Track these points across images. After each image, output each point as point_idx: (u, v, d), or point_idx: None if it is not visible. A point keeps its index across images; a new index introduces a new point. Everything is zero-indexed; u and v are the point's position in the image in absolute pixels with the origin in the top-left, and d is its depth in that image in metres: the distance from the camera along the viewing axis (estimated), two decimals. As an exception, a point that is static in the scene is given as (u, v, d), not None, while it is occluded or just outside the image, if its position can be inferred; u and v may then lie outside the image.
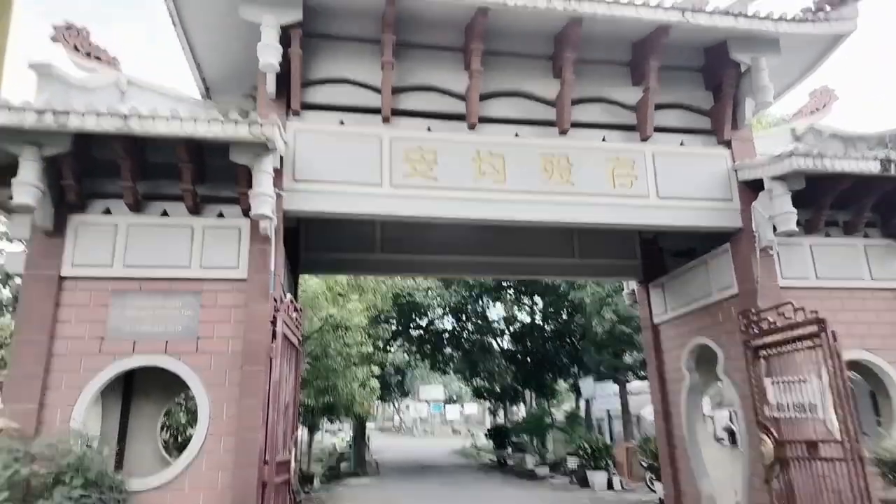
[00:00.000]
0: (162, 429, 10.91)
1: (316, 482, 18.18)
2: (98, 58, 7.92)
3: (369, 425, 31.78)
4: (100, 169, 6.89)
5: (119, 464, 7.74)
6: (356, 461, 24.21)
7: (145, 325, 6.58)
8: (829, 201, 8.21)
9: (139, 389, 8.21)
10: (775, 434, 7.25)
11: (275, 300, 5.79)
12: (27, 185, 6.04)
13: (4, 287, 15.05)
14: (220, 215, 7.10)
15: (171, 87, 8.30)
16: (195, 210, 6.97)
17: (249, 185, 6.57)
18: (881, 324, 8.33)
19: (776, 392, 7.27)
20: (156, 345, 6.55)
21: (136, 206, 6.89)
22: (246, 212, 6.80)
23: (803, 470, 6.96)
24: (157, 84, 8.18)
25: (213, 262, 6.85)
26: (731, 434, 15.71)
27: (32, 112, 5.94)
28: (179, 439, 11.12)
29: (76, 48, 7.69)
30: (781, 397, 7.20)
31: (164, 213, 7.01)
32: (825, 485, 6.60)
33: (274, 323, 5.49)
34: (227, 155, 6.52)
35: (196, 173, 6.82)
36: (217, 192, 7.11)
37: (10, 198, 6.05)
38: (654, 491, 14.17)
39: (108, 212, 6.91)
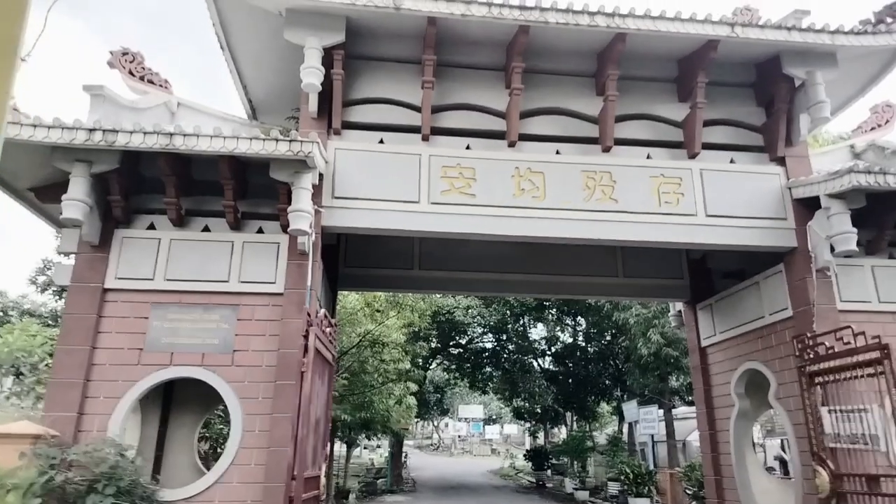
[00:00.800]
0: (201, 440, 11.11)
1: (352, 497, 18.12)
2: (151, 81, 8.19)
3: (407, 442, 31.64)
4: (146, 186, 7.07)
5: (157, 472, 7.86)
6: (392, 478, 24.08)
7: (183, 338, 6.66)
8: (893, 221, 7.76)
9: (178, 400, 8.34)
10: (831, 466, 6.81)
11: (308, 314, 5.77)
12: (76, 200, 6.25)
13: (60, 299, 15.64)
14: (260, 231, 7.17)
15: (219, 109, 8.53)
16: (236, 226, 7.06)
17: (289, 202, 6.62)
18: (949, 352, 7.76)
19: (833, 421, 6.84)
20: (192, 357, 6.61)
21: (179, 222, 7.02)
22: (285, 228, 6.84)
23: (863, 506, 6.51)
24: (205, 106, 8.42)
25: (251, 276, 6.91)
26: (783, 464, 14.97)
27: (83, 130, 6.14)
28: (219, 450, 11.24)
29: (131, 73, 7.97)
30: (838, 427, 6.77)
31: (206, 229, 7.12)
32: (887, 523, 6.15)
33: (306, 337, 5.46)
34: (268, 172, 6.60)
35: (237, 190, 6.92)
36: (257, 209, 7.20)
37: (61, 213, 6.25)
38: (701, 522, 13.55)
39: (152, 227, 7.06)
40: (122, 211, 6.83)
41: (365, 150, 7.57)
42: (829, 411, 6.92)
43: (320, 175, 7.01)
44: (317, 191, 6.93)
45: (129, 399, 6.43)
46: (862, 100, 9.39)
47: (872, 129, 10.14)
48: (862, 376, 6.51)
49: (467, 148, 7.83)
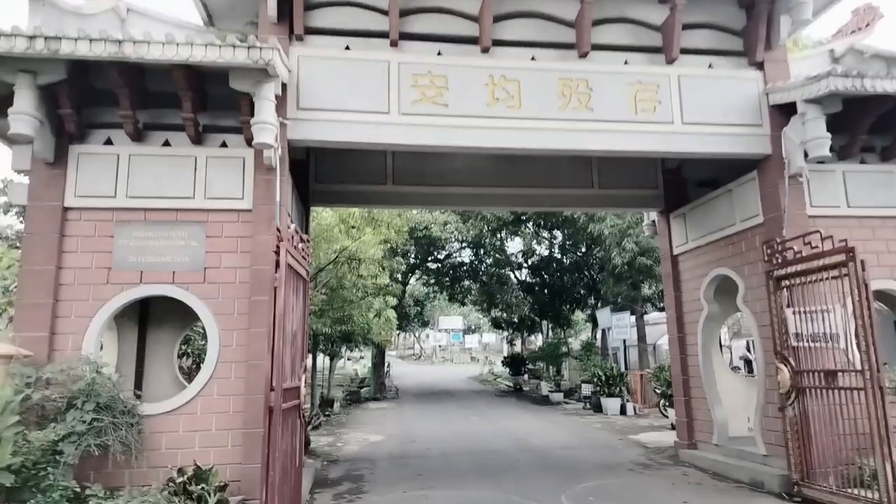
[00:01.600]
0: (183, 356, 11.25)
1: (336, 406, 18.76)
2: (97, -16, 7.54)
3: (389, 353, 32.55)
4: (99, 98, 6.69)
5: (139, 388, 7.98)
6: (376, 386, 24.92)
7: (152, 256, 6.54)
8: (867, 125, 7.74)
9: (154, 318, 8.33)
10: (793, 363, 7.14)
11: (278, 230, 5.67)
12: (23, 114, 5.91)
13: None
14: (224, 145, 6.91)
15: (172, 16, 7.94)
16: (197, 140, 6.78)
17: (252, 114, 6.34)
18: (912, 254, 8.00)
19: (797, 322, 7.10)
20: (163, 275, 6.53)
21: (137, 136, 6.72)
22: (249, 141, 6.58)
23: (819, 399, 6.89)
24: (157, 12, 7.81)
25: (218, 192, 6.72)
26: (748, 363, 15.75)
27: (23, 38, 5.71)
28: (202, 366, 11.41)
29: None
30: (801, 327, 7.04)
31: (167, 143, 6.83)
32: (840, 413, 6.53)
33: (277, 253, 5.38)
34: (228, 83, 6.26)
35: (197, 102, 6.59)
36: (219, 122, 6.89)
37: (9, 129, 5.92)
38: (667, 416, 14.34)
39: (109, 142, 6.75)
40: (75, 125, 6.49)
41: (330, 58, 7.21)
42: (794, 313, 7.16)
43: (283, 85, 6.70)
44: (280, 102, 6.63)
45: (102, 318, 6.38)
46: (843, 2, 9.09)
47: (853, 32, 9.86)
48: (827, 279, 6.70)
49: (438, 54, 7.49)
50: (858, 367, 6.32)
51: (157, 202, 6.66)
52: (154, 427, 6.26)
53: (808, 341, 6.99)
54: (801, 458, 7.05)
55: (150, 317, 8.38)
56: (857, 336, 6.31)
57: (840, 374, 6.68)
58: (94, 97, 6.68)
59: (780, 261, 7.42)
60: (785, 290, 7.38)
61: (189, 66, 6.11)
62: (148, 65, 6.07)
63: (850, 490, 6.43)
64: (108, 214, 6.58)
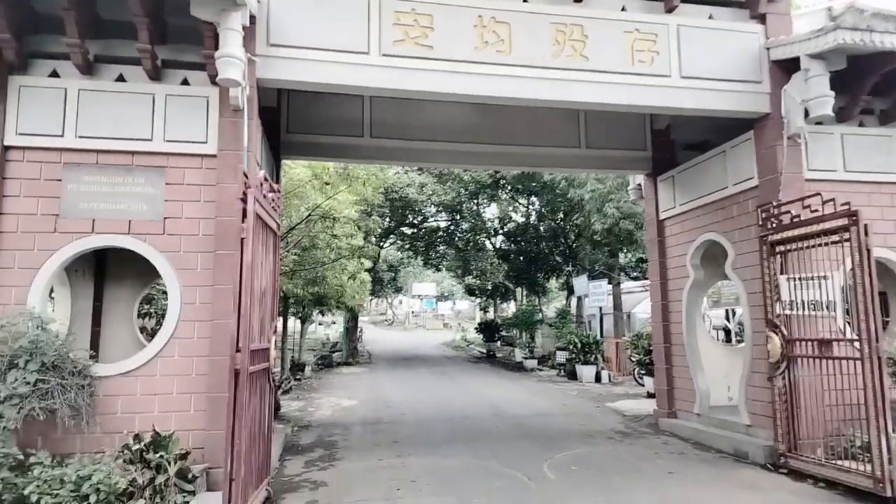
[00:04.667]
0: (145, 316, 10.65)
1: (307, 370, 18.36)
2: None
3: (362, 318, 32.15)
4: (43, 25, 5.97)
5: (95, 349, 7.42)
6: (348, 351, 24.56)
7: (105, 203, 5.92)
8: (869, 86, 7.42)
9: (112, 274, 7.74)
10: (784, 332, 6.90)
11: (245, 176, 5.10)
12: (-48, 35, 5.17)
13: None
14: (185, 83, 6.26)
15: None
16: (155, 76, 6.12)
17: (216, 47, 5.70)
18: (908, 222, 7.79)
19: (790, 289, 6.84)
20: (117, 225, 5.93)
21: (88, 69, 6.02)
22: (214, 78, 5.94)
23: (810, 368, 6.69)
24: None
25: (179, 135, 6.10)
26: (727, 332, 15.75)
27: (-50, -55, 4.94)
28: (164, 327, 10.82)
29: None
30: (795, 294, 6.78)
31: (121, 79, 6.15)
32: (831, 384, 6.33)
33: (245, 200, 4.84)
34: (189, 11, 5.59)
35: (154, 33, 5.91)
36: (180, 56, 6.23)
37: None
38: (642, 384, 14.28)
39: (55, 74, 6.04)
40: (14, 53, 5.76)
41: (305, -10, 6.53)
42: (788, 279, 6.89)
43: (252, 16, 6.03)
44: (249, 35, 5.99)
45: (49, 270, 5.78)
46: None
47: (853, -11, 9.47)
48: (826, 244, 6.41)
49: (424, -10, 6.88)
50: (855, 336, 6.11)
51: (111, 143, 6.01)
52: (109, 390, 5.75)
53: (801, 309, 6.75)
54: (789, 428, 6.87)
55: (107, 273, 7.79)
56: (856, 304, 6.06)
57: (835, 343, 6.47)
58: (38, 22, 5.95)
59: (775, 225, 7.13)
60: (779, 256, 7.10)
61: (143, -13, 5.43)
62: (97, -16, 5.38)
63: (838, 462, 6.27)
64: (56, 155, 5.92)
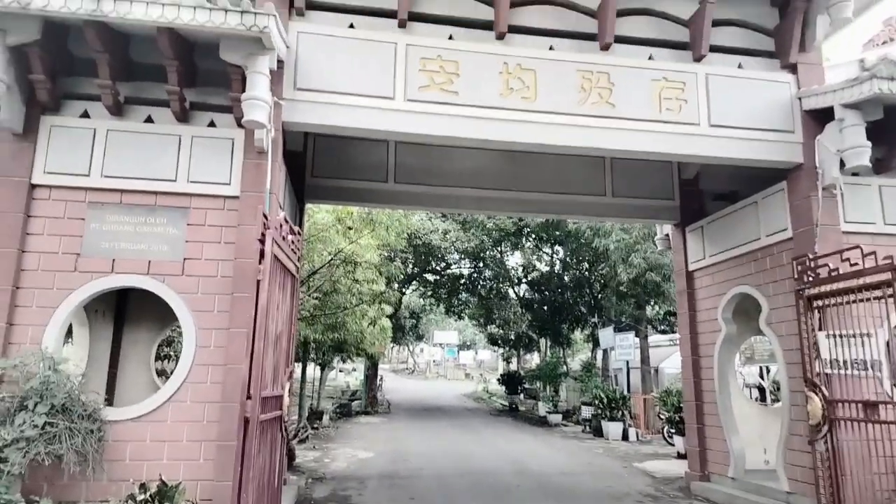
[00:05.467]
0: (165, 359, 10.56)
1: (325, 418, 17.99)
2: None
3: (382, 366, 31.76)
4: (77, 66, 6.11)
5: (111, 391, 7.30)
6: (367, 399, 24.12)
7: (126, 243, 5.90)
8: (908, 136, 7.18)
9: (132, 315, 7.70)
10: (825, 392, 6.49)
11: (265, 216, 5.04)
12: (-11, 76, 5.29)
13: None
14: (212, 124, 6.30)
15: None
16: (183, 117, 6.17)
17: (243, 90, 5.75)
18: (952, 278, 7.38)
19: (831, 346, 6.46)
20: (137, 264, 5.88)
21: (117, 110, 6.10)
22: (240, 121, 5.97)
23: (854, 433, 6.23)
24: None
25: (203, 176, 6.10)
26: (761, 391, 15.05)
27: (-8, -9, 5.10)
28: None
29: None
30: (836, 352, 6.40)
31: (149, 120, 6.22)
32: (879, 449, 5.88)
33: (263, 241, 4.75)
34: (219, 55, 5.68)
35: (184, 75, 5.99)
36: (208, 98, 6.30)
37: (-27, 92, 5.31)
38: (672, 444, 13.62)
39: (85, 115, 6.14)
40: (48, 94, 5.87)
41: (332, 36, 6.63)
42: (828, 336, 6.53)
43: (280, 61, 6.13)
44: (276, 79, 6.06)
45: (66, 309, 5.72)
46: (875, 9, 8.61)
47: (884, 42, 9.42)
48: (868, 299, 6.07)
49: (450, 38, 6.93)
50: (902, 398, 5.70)
51: (136, 183, 6.02)
52: (119, 435, 5.57)
53: (843, 368, 6.36)
54: (833, 497, 6.37)
55: (126, 314, 7.75)
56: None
57: (882, 406, 6.04)
58: (72, 65, 6.09)
59: (812, 279, 6.81)
60: (817, 311, 6.75)
61: (175, 32, 5.53)
62: (130, 27, 5.51)
63: (890, 535, 5.76)
64: (81, 194, 5.94)
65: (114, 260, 5.87)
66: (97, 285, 5.81)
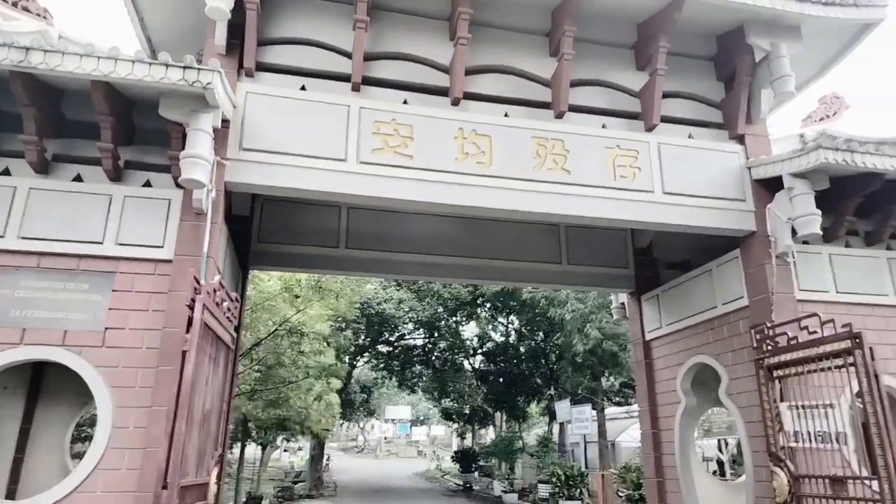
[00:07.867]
0: (87, 440, 9.55)
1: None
2: (26, 9, 6.77)
3: (330, 444, 30.21)
4: (2, 120, 5.65)
5: (15, 478, 6.41)
6: (312, 482, 22.66)
7: (40, 311, 5.30)
8: (854, 207, 7.33)
9: (47, 391, 6.87)
10: (791, 467, 6.23)
11: (196, 280, 4.59)
12: None
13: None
14: (147, 184, 5.88)
15: (109, 46, 7.13)
16: (116, 176, 5.75)
17: (183, 148, 5.40)
18: (907, 346, 7.41)
19: (794, 418, 6.26)
20: (50, 335, 5.27)
21: (43, 168, 5.64)
22: (178, 181, 5.59)
23: (823, 511, 5.94)
24: (93, 42, 6.98)
25: (133, 238, 5.62)
26: (720, 465, 14.77)
27: None
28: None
29: (2, -1, 6.52)
30: (800, 424, 6.19)
31: (78, 178, 5.77)
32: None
33: (191, 307, 4.28)
34: (158, 111, 5.36)
35: (120, 132, 5.64)
36: (145, 157, 5.93)
37: None
38: (634, 525, 13.07)
39: (6, 172, 5.64)
40: (-38, 148, 5.39)
41: (283, 97, 6.41)
42: (790, 407, 6.34)
43: (225, 120, 5.83)
44: (221, 138, 5.76)
45: (-38, 387, 5.02)
46: (816, 84, 9.07)
47: (821, 119, 9.84)
48: (829, 368, 5.95)
49: (404, 103, 6.82)
50: (867, 473, 5.48)
51: (57, 246, 5.49)
52: (12, 533, 4.79)
53: (808, 441, 6.14)
54: (808, 581, 6.00)
55: (41, 391, 6.95)
56: (868, 436, 5.49)
57: (850, 482, 5.80)
58: (-5, 119, 5.65)
59: (771, 347, 6.68)
60: (778, 381, 6.60)
61: (111, 86, 5.20)
62: (61, 81, 5.14)
63: None
64: (-9, 257, 5.37)
65: (24, 329, 5.25)
66: (1, 358, 5.14)
